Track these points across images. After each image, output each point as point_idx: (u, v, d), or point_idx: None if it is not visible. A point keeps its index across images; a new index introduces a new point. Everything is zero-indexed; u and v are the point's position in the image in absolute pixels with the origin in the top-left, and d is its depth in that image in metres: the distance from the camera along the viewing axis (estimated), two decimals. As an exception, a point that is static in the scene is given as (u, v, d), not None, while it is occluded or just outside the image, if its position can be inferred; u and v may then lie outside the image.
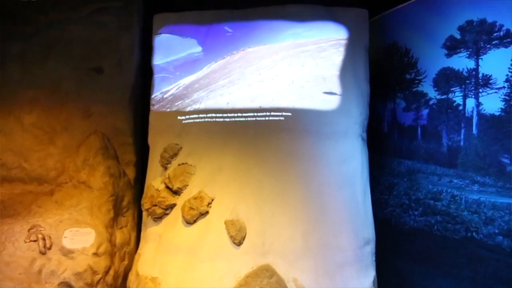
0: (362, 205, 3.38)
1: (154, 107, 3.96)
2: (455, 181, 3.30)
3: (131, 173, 4.20)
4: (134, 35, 4.23)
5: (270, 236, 3.03)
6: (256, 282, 2.78)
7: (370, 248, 3.33)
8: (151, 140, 3.98)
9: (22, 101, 4.07)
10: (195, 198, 3.22)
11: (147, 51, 4.23)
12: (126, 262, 3.77)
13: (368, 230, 3.36)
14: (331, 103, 3.49)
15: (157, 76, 4.02)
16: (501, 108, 2.99)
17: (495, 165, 3.04)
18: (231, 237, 3.01)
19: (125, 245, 3.82)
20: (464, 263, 3.20)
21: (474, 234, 3.15)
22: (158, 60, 4.02)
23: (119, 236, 3.76)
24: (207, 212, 3.18)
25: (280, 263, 2.94)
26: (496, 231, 3.01)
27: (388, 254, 3.60)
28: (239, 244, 3.00)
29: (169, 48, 4.03)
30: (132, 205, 4.11)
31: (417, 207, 3.59)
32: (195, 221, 3.18)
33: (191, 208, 3.18)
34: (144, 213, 3.84)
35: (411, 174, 3.66)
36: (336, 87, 3.55)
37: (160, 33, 4.07)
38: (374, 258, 3.36)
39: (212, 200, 3.21)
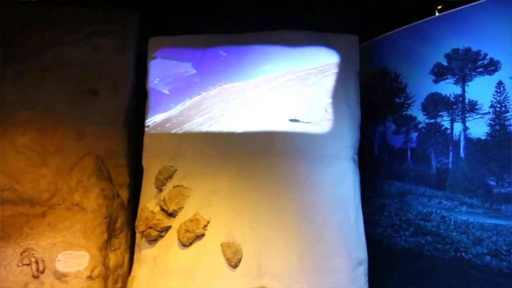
0: (354, 226, 3.45)
1: (149, 130, 4.00)
2: (444, 202, 3.40)
3: (124, 194, 4.20)
4: (130, 57, 4.29)
5: (266, 259, 3.07)
6: (253, 304, 2.80)
7: (363, 269, 3.38)
8: (145, 162, 4.01)
9: (16, 123, 4.07)
10: (191, 220, 3.25)
11: (142, 74, 4.29)
12: (119, 285, 3.74)
13: (360, 251, 3.42)
14: (324, 127, 3.59)
15: (152, 99, 4.07)
16: (487, 133, 3.12)
17: (482, 187, 3.16)
18: (227, 259, 3.04)
19: (118, 268, 3.80)
20: (455, 283, 3.28)
21: (463, 254, 3.24)
22: (153, 82, 4.08)
23: (112, 259, 3.74)
24: (203, 235, 3.21)
25: (276, 285, 2.97)
26: (485, 251, 3.10)
27: (379, 274, 3.65)
28: (235, 266, 3.03)
29: (164, 71, 4.10)
30: (125, 227, 4.09)
31: (408, 228, 3.67)
32: (191, 244, 3.21)
33: (187, 231, 3.21)
34: (138, 235, 3.84)
35: (401, 196, 3.76)
36: (328, 111, 3.64)
37: (155, 56, 4.15)
38: (367, 279, 3.41)
39: (208, 222, 3.25)
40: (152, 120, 4.00)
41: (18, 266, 3.24)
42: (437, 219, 3.44)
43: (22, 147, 4.03)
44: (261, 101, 3.68)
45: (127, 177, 4.24)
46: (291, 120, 3.52)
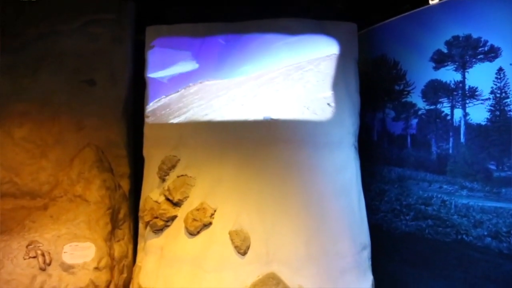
0: (357, 211, 3.51)
1: (149, 120, 3.97)
2: (444, 187, 3.48)
3: (125, 185, 4.19)
4: (127, 47, 4.25)
5: (274, 245, 3.11)
6: (264, 290, 2.85)
7: (367, 253, 3.46)
8: (146, 152, 3.99)
9: (13, 115, 4.00)
10: (197, 209, 3.27)
11: (138, 63, 4.25)
12: (125, 275, 3.76)
13: (364, 235, 3.49)
14: (326, 114, 3.62)
15: (151, 88, 4.03)
16: (487, 118, 3.19)
17: (482, 171, 3.24)
18: (236, 247, 3.07)
19: (123, 258, 3.81)
20: (455, 265, 3.38)
21: (464, 236, 3.33)
22: (151, 72, 4.04)
23: (117, 249, 3.74)
24: (210, 223, 3.23)
25: (284, 271, 3.02)
26: (485, 233, 3.20)
27: (381, 258, 3.72)
28: (244, 253, 3.07)
29: (163, 60, 4.05)
30: (128, 218, 4.10)
31: (408, 212, 3.75)
32: (198, 232, 3.23)
33: (194, 220, 3.22)
34: (141, 226, 3.84)
35: (401, 181, 3.83)
36: (330, 98, 3.67)
37: (153, 45, 4.10)
38: (370, 263, 3.49)
39: (215, 211, 3.27)
40: (152, 109, 3.95)
41: (24, 259, 3.22)
42: (437, 203, 3.52)
43: (20, 139, 3.98)
44: (262, 91, 3.68)
45: (127, 167, 4.23)
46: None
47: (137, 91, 4.34)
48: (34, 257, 3.25)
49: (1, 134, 3.95)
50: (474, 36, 3.24)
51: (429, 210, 3.58)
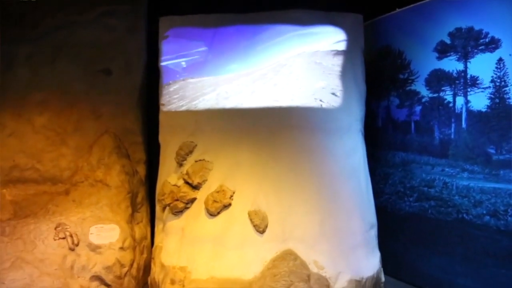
0: (365, 193, 3.75)
1: (164, 107, 4.13)
2: (446, 169, 3.73)
3: (142, 170, 4.37)
4: (141, 37, 4.39)
5: (290, 224, 3.33)
6: (283, 264, 3.07)
7: (374, 232, 3.71)
8: (162, 138, 4.17)
9: (32, 103, 4.14)
10: (217, 191, 3.47)
11: (152, 53, 4.40)
12: (145, 255, 3.96)
13: (371, 215, 3.74)
14: (335, 102, 3.83)
15: (165, 77, 4.18)
16: (487, 105, 3.43)
17: (482, 155, 3.49)
18: (255, 226, 3.29)
19: (143, 240, 4.01)
20: (457, 242, 3.64)
21: (464, 215, 3.59)
22: (166, 61, 4.19)
23: (137, 231, 3.94)
24: (229, 204, 3.43)
25: (300, 247, 3.24)
26: (484, 212, 3.46)
27: (386, 238, 3.96)
28: (262, 232, 3.28)
29: (177, 50, 4.20)
30: (145, 202, 4.30)
31: (412, 194, 4.00)
32: (218, 213, 3.43)
33: (215, 201, 3.43)
34: (158, 209, 4.03)
35: (405, 165, 4.07)
36: (339, 87, 3.88)
37: (167, 36, 4.24)
38: (377, 241, 3.74)
39: (234, 193, 3.47)
40: (167, 97, 4.10)
41: (54, 239, 3.40)
42: (440, 185, 3.77)
43: (40, 127, 4.12)
44: (275, 79, 3.87)
45: (143, 154, 4.41)
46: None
47: (150, 80, 4.51)
48: (63, 238, 3.43)
49: (22, 122, 4.10)
50: (476, 28, 3.45)
51: (431, 191, 3.83)
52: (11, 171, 4.02)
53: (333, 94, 3.85)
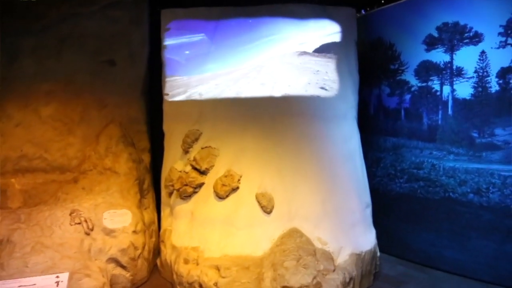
0: (361, 175, 4.05)
1: (168, 97, 4.30)
2: (434, 152, 4.06)
3: (146, 158, 4.55)
4: (144, 29, 4.53)
5: (295, 205, 3.59)
6: (291, 241, 3.33)
7: (369, 211, 4.03)
8: (166, 127, 4.34)
9: (38, 94, 4.23)
10: (225, 176, 3.69)
11: (155, 44, 4.54)
12: (153, 239, 4.15)
13: (367, 195, 4.05)
14: (332, 91, 4.09)
15: (168, 68, 4.34)
16: (471, 94, 3.77)
17: (466, 138, 3.83)
18: (262, 207, 3.53)
19: (151, 224, 4.19)
20: (443, 218, 3.99)
21: (451, 194, 3.93)
22: (169, 53, 4.34)
23: (146, 216, 4.12)
24: (237, 188, 3.66)
25: (305, 226, 3.51)
26: (468, 190, 3.81)
27: (378, 217, 4.25)
28: (269, 212, 3.54)
29: (179, 41, 4.37)
30: (151, 188, 4.48)
31: (402, 176, 4.33)
32: (227, 196, 3.66)
33: (224, 185, 3.65)
34: (165, 194, 4.23)
35: (396, 149, 4.39)
36: (335, 76, 4.14)
37: (169, 28, 4.39)
38: (372, 219, 4.05)
39: (241, 177, 3.70)
40: (171, 87, 4.27)
41: (71, 225, 3.56)
42: (428, 167, 4.10)
43: (47, 117, 4.23)
44: (276, 70, 4.10)
45: (147, 142, 4.59)
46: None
47: (152, 70, 4.65)
48: (78, 223, 3.59)
49: (29, 113, 4.19)
50: (461, 23, 3.76)
51: (420, 173, 4.16)
52: (19, 160, 4.13)
53: (330, 83, 4.11)
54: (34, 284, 2.96)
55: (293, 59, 4.14)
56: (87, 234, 3.58)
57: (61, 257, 3.27)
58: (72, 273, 3.13)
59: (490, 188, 3.68)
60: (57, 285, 2.97)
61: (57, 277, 3.06)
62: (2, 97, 4.10)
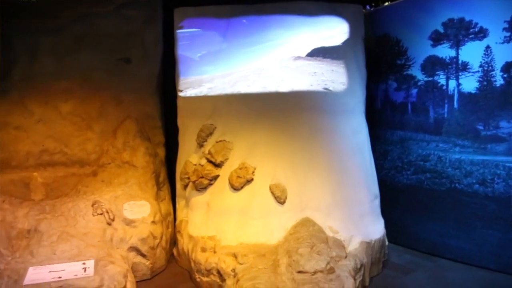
0: (370, 167, 4.20)
1: (182, 93, 4.46)
2: (440, 145, 4.20)
3: (161, 152, 4.72)
4: (158, 27, 4.68)
5: (306, 195, 3.74)
6: (304, 230, 3.48)
7: (378, 202, 4.18)
8: (180, 122, 4.50)
9: (57, 91, 4.41)
10: (240, 168, 3.85)
11: (168, 42, 4.69)
12: (170, 229, 4.33)
13: (375, 187, 4.20)
14: (341, 86, 4.24)
15: (182, 65, 4.49)
16: (476, 88, 3.90)
17: (472, 131, 3.96)
18: (276, 197, 3.69)
19: (168, 215, 4.37)
20: (449, 209, 4.13)
21: (456, 185, 4.08)
22: (182, 50, 4.49)
23: (162, 208, 4.29)
24: (252, 179, 3.82)
25: (316, 215, 3.66)
26: (474, 181, 3.95)
27: (386, 208, 4.39)
28: (283, 203, 3.69)
29: (192, 39, 4.51)
30: (166, 181, 4.65)
31: (409, 168, 4.47)
32: (242, 187, 3.82)
33: (239, 177, 3.81)
34: (180, 186, 4.39)
35: (403, 142, 4.53)
36: (343, 73, 4.28)
37: (182, 26, 4.54)
38: (380, 209, 4.20)
39: (255, 169, 3.85)
40: (184, 84, 4.42)
41: (93, 215, 3.73)
42: (434, 159, 4.24)
43: (67, 113, 4.41)
44: (287, 66, 4.25)
45: (162, 137, 4.76)
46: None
47: (165, 68, 4.81)
48: (100, 214, 3.76)
49: (50, 109, 4.37)
50: (467, 19, 3.89)
51: (427, 165, 4.30)
52: (41, 155, 4.31)
53: (339, 79, 4.26)
54: (63, 270, 3.13)
55: (303, 57, 4.28)
56: (109, 224, 3.76)
57: (86, 245, 3.44)
58: (97, 260, 3.29)
59: (495, 179, 3.81)
60: (85, 271, 3.14)
61: (84, 263, 3.23)
62: (24, 94, 4.28)
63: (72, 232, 3.55)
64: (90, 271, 3.15)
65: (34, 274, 3.09)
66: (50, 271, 3.12)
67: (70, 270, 3.15)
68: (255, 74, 4.30)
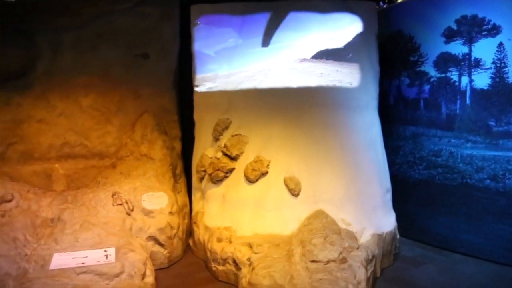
0: (382, 162, 4.28)
1: (198, 88, 4.57)
2: (452, 141, 4.26)
3: (178, 146, 4.85)
4: (175, 24, 4.80)
5: (319, 189, 3.84)
6: (317, 221, 3.58)
7: (390, 195, 4.26)
8: (197, 116, 4.62)
9: (78, 86, 4.55)
10: (255, 161, 3.96)
11: (184, 38, 4.81)
12: (186, 221, 4.46)
13: (387, 181, 4.28)
14: (355, 82, 4.31)
15: (198, 61, 4.61)
16: (489, 84, 3.95)
17: (484, 127, 4.01)
18: (290, 190, 3.79)
19: (184, 207, 4.50)
20: (460, 203, 4.19)
21: (468, 180, 4.13)
22: (198, 46, 4.61)
23: (179, 199, 4.42)
24: (267, 172, 3.93)
25: (329, 208, 3.76)
26: (485, 176, 4.01)
27: (397, 202, 4.46)
28: (297, 195, 3.79)
29: (208, 36, 4.62)
30: (182, 173, 4.78)
31: (421, 163, 4.54)
32: (257, 180, 3.93)
33: (254, 170, 3.92)
34: (195, 179, 4.52)
35: (415, 138, 4.59)
36: (356, 69, 4.36)
37: (198, 23, 4.65)
38: (392, 203, 4.28)
39: (269, 162, 3.96)
40: (201, 79, 4.53)
41: (113, 206, 3.87)
42: (446, 154, 4.30)
43: (87, 107, 4.55)
44: (301, 62, 4.34)
45: (179, 130, 4.88)
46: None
47: (182, 63, 4.93)
48: (120, 204, 3.90)
49: (70, 103, 4.51)
50: (480, 15, 3.94)
51: (439, 160, 4.36)
52: (63, 147, 4.46)
53: (353, 75, 4.33)
54: (86, 257, 3.27)
55: (316, 54, 4.36)
56: (128, 214, 3.90)
57: (107, 234, 3.58)
58: (118, 248, 3.43)
59: (506, 174, 3.87)
60: (106, 258, 3.27)
61: (105, 251, 3.36)
62: (46, 89, 4.42)
63: (94, 221, 3.69)
64: (112, 258, 3.29)
65: (59, 260, 3.23)
66: (73, 258, 3.26)
67: (93, 257, 3.29)
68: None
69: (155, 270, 3.71)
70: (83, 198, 3.92)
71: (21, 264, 3.15)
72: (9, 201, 3.65)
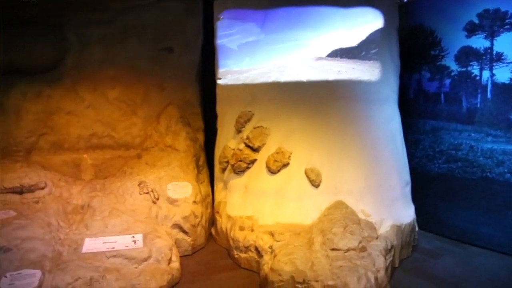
0: (401, 155, 4.34)
1: (220, 81, 4.69)
2: (473, 134, 4.28)
3: (201, 137, 4.99)
4: (199, 18, 4.92)
5: (340, 180, 3.92)
6: (337, 211, 3.67)
7: (409, 188, 4.31)
8: (219, 109, 4.74)
9: (105, 79, 4.72)
10: (277, 153, 4.06)
11: (208, 33, 4.93)
12: (209, 210, 4.59)
13: (407, 174, 4.33)
14: (375, 75, 4.36)
15: (221, 54, 4.72)
16: (510, 78, 3.96)
17: (505, 121, 4.03)
18: (311, 181, 3.88)
19: (207, 197, 4.63)
20: (480, 197, 4.22)
21: (488, 174, 4.16)
22: (221, 40, 4.71)
23: (202, 189, 4.56)
24: (288, 163, 4.02)
25: (349, 199, 3.84)
26: (506, 170, 4.03)
27: (417, 195, 4.51)
28: (317, 186, 3.88)
29: (231, 30, 4.72)
30: (205, 164, 4.91)
31: (441, 157, 4.57)
32: (279, 171, 4.03)
33: (276, 161, 4.02)
34: (218, 170, 4.65)
35: (435, 131, 4.63)
36: (377, 62, 4.41)
37: (221, 17, 4.75)
38: (411, 196, 4.34)
39: (291, 153, 4.05)
40: (224, 72, 4.65)
41: (140, 194, 4.03)
42: (466, 148, 4.33)
43: (113, 99, 4.72)
44: (324, 55, 4.41)
45: (201, 123, 5.02)
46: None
47: (205, 57, 5.05)
48: (146, 193, 4.05)
49: (98, 95, 4.69)
50: (502, 9, 3.94)
51: (459, 154, 4.39)
52: (91, 138, 4.64)
53: (373, 68, 4.38)
54: (115, 242, 3.43)
55: (338, 47, 4.42)
56: (154, 202, 4.05)
57: (134, 221, 3.74)
58: (145, 234, 3.58)
59: (527, 168, 3.89)
60: (134, 243, 3.43)
61: (133, 237, 3.52)
62: (75, 81, 4.60)
63: (122, 208, 3.85)
64: (139, 244, 3.44)
65: (90, 244, 3.40)
66: (104, 242, 3.42)
67: (122, 242, 3.45)
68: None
69: (180, 256, 3.86)
70: (111, 187, 4.09)
71: (56, 247, 3.32)
72: (43, 188, 3.84)
